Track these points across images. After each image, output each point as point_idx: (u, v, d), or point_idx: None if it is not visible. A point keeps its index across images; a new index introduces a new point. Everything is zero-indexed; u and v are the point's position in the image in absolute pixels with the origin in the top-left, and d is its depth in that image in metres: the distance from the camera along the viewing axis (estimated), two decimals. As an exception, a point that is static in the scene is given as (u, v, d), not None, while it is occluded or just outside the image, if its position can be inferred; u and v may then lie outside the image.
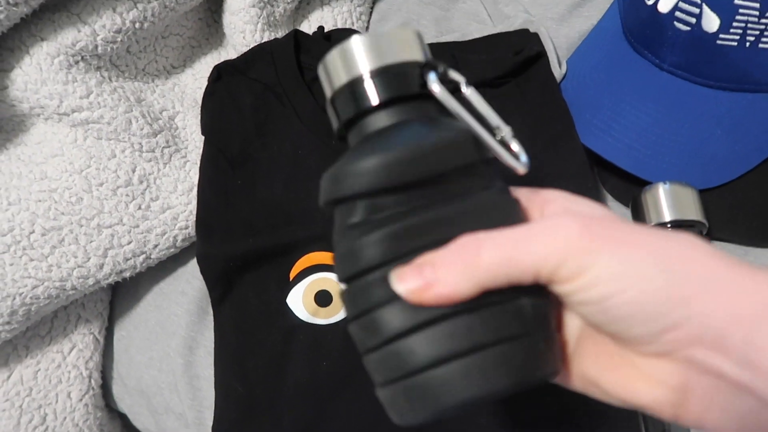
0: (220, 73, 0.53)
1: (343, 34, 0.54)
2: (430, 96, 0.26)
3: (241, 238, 0.48)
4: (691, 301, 0.21)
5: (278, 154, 0.51)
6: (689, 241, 0.23)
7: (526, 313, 0.23)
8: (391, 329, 0.23)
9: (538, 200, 0.26)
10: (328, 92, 0.27)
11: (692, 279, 0.22)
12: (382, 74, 0.26)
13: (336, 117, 0.27)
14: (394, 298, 0.23)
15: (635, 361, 0.24)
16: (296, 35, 0.53)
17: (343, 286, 0.26)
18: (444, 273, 0.23)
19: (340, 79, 0.26)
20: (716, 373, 0.22)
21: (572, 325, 0.27)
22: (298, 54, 0.52)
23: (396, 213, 0.24)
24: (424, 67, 0.26)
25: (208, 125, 0.52)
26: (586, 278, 0.22)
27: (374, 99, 0.26)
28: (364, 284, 0.24)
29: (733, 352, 0.21)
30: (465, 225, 0.23)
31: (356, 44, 0.26)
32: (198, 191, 0.50)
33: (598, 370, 0.25)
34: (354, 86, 0.26)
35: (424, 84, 0.26)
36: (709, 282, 0.22)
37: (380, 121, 0.26)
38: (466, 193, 0.24)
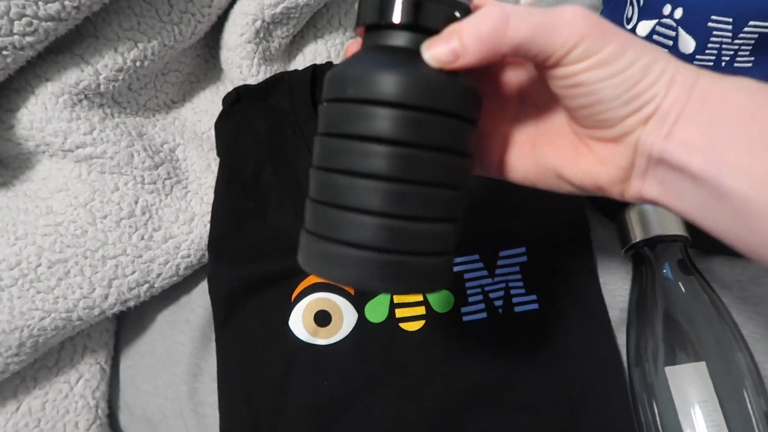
0: (239, 95, 0.54)
1: None
2: None
3: (249, 261, 0.49)
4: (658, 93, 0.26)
5: (289, 182, 0.52)
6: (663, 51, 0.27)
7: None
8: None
9: None
10: None
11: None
12: None
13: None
14: None
15: (594, 148, 0.29)
16: (315, 69, 0.55)
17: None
18: (469, 41, 0.26)
19: None
20: (681, 167, 0.26)
21: (528, 127, 0.32)
22: (314, 88, 0.54)
23: None
24: None
25: (223, 147, 0.53)
26: (596, 58, 0.26)
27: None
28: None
29: (700, 150, 0.25)
30: None
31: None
32: (212, 213, 0.51)
33: (562, 160, 0.30)
34: None
35: None
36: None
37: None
38: None
